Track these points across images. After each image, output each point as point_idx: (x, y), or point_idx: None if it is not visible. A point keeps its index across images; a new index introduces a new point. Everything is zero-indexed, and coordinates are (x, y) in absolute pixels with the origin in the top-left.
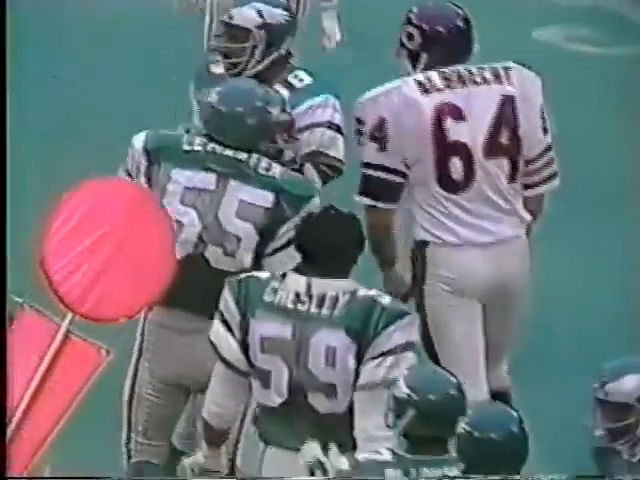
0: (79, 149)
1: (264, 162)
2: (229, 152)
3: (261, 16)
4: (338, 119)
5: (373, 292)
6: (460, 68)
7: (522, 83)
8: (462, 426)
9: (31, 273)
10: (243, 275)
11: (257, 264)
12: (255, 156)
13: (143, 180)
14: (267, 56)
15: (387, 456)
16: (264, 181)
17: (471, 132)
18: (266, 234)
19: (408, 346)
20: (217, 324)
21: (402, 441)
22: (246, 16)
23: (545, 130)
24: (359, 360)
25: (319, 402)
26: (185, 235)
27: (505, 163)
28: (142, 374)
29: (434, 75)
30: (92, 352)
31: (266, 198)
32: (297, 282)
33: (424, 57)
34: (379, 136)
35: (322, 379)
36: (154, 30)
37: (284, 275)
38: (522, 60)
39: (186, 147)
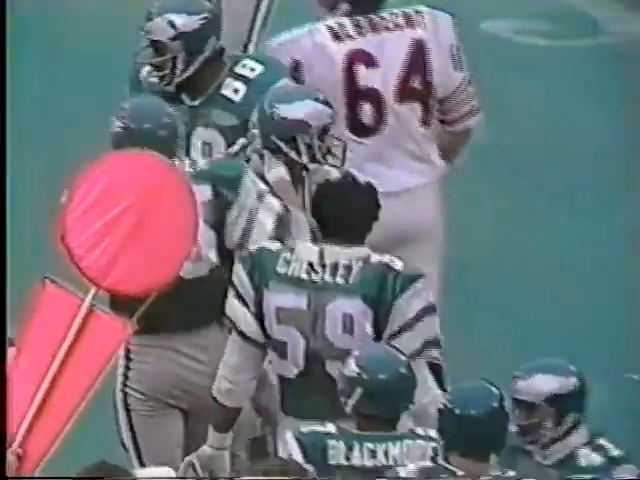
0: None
1: (187, 160)
2: None
3: (173, 27)
4: None
5: (386, 258)
6: (372, 15)
7: (434, 25)
8: (443, 402)
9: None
10: (254, 247)
11: (224, 258)
12: (177, 160)
13: None
14: (192, 62)
15: (330, 428)
16: (196, 176)
17: (383, 78)
18: (218, 226)
19: (427, 309)
20: (232, 299)
21: (353, 416)
22: (158, 29)
23: (457, 67)
24: (376, 327)
25: (336, 370)
26: None
27: (417, 107)
28: (132, 400)
29: (346, 22)
30: (117, 326)
31: (204, 191)
32: (309, 252)
33: (344, 6)
34: (296, 77)
35: (339, 346)
36: None
37: (294, 244)
38: (470, 51)
39: None
